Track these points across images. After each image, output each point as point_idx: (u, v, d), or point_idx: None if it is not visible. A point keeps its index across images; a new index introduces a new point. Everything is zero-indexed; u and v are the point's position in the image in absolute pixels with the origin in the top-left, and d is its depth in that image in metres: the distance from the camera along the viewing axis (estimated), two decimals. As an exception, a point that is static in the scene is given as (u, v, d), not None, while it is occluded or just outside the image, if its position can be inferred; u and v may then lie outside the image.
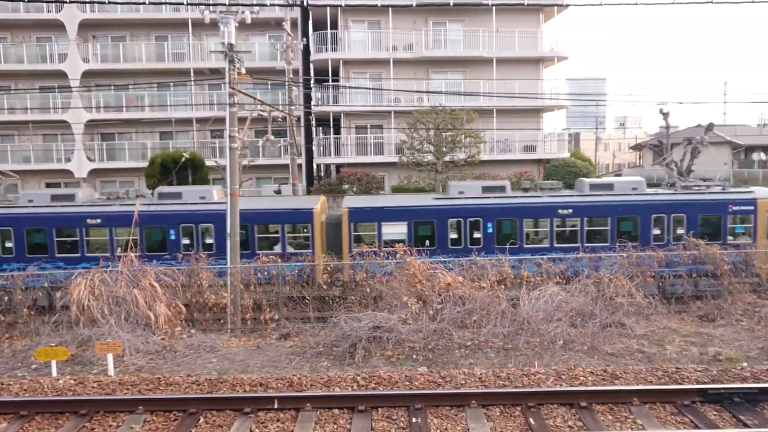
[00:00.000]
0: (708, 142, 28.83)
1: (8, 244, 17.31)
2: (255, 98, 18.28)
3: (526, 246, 17.35)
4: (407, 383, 9.44)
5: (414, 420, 8.06)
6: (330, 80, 31.73)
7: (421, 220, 17.39)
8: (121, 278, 13.11)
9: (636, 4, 12.00)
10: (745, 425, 7.68)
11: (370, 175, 29.77)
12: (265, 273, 14.86)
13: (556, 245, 17.32)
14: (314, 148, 33.24)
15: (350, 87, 31.31)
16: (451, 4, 29.83)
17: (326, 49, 31.87)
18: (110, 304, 12.68)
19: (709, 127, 31.80)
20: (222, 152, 25.78)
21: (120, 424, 8.26)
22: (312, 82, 32.12)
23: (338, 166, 32.12)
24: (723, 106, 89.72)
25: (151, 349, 11.88)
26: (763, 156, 46.51)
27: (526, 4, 31.99)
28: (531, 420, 7.97)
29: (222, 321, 14.37)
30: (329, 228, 17.76)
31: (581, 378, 9.53)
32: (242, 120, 16.38)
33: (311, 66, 33.10)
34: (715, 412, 8.20)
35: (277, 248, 17.41)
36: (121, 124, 33.41)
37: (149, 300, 12.85)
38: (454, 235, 17.36)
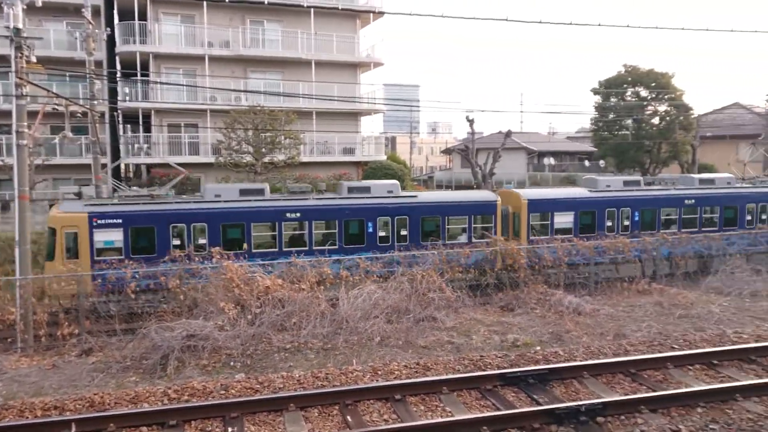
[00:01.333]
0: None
1: (201, 240, 16.14)
2: (49, 90, 16.50)
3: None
4: (223, 392, 9.09)
5: (230, 429, 7.77)
6: (139, 75, 29.68)
7: None
8: None
9: (442, 16, 12.76)
10: (538, 403, 8.47)
11: (184, 176, 28.34)
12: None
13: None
14: (122, 147, 30.88)
15: (162, 83, 29.56)
16: (266, 2, 29.45)
17: (134, 42, 29.75)
18: None
19: (508, 134, 34.93)
20: (9, 150, 22.90)
21: None
22: (118, 75, 29.78)
23: (149, 167, 30.16)
24: (520, 115, 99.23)
25: None
26: (552, 161, 52.20)
27: (340, 8, 32.62)
28: (348, 417, 8.08)
29: (10, 339, 12.75)
30: None
31: (396, 372, 9.88)
32: (33, 114, 14.69)
33: (117, 58, 30.69)
34: (513, 394, 8.96)
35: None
36: None
37: None
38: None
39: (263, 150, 26.39)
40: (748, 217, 21.60)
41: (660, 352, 10.24)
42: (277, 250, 16.95)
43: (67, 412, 8.38)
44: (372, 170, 31.63)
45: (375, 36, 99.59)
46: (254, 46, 32.03)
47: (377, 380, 9.46)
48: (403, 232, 17.94)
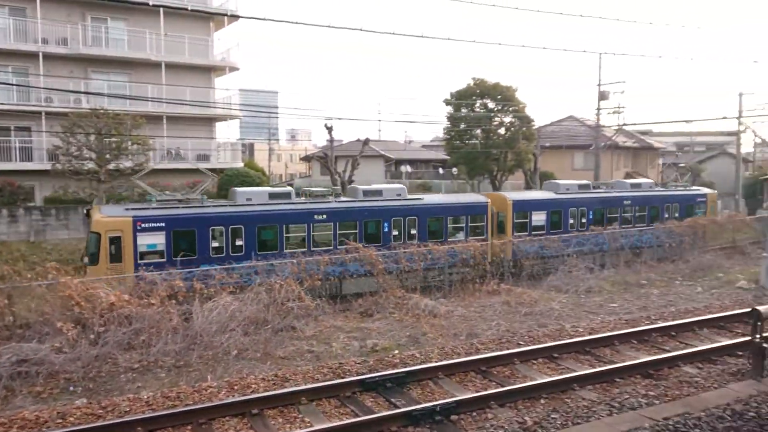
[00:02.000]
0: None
1: (238, 242, 16.80)
2: None
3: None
4: (60, 421, 8.27)
5: (67, 462, 7.08)
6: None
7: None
8: None
9: (297, 23, 12.65)
10: (396, 406, 8.60)
11: (15, 185, 25.72)
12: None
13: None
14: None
15: (-14, 81, 26.59)
16: (108, -2, 27.62)
17: (-48, 34, 26.55)
18: None
19: (366, 141, 35.50)
20: None
21: None
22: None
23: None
24: (378, 123, 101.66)
25: None
26: (409, 168, 53.89)
27: (190, 9, 31.30)
28: (202, 437, 7.69)
29: None
30: None
31: (253, 386, 9.58)
32: None
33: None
34: (371, 399, 9.03)
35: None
36: None
37: None
38: None
39: (107, 156, 24.59)
40: (666, 215, 25.19)
41: (508, 348, 10.84)
42: (306, 249, 17.79)
43: None
44: (228, 177, 30.65)
45: (231, 39, 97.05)
46: (96, 44, 29.82)
47: (233, 396, 9.11)
48: (413, 231, 19.53)
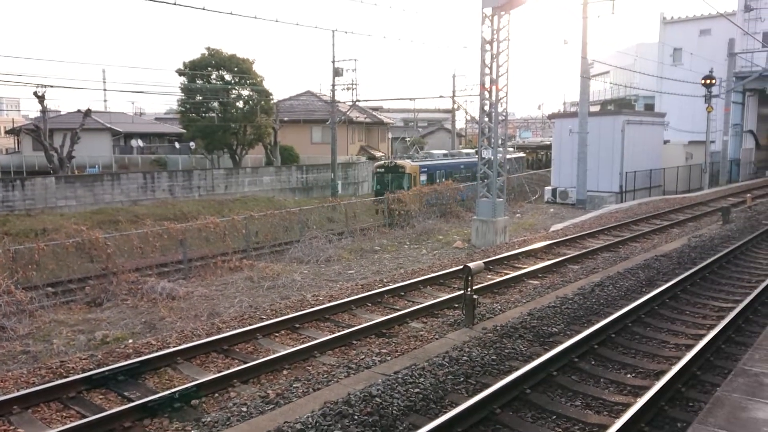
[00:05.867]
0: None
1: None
2: None
3: None
4: None
5: None
6: None
7: None
8: None
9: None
10: (129, 400, 7.94)
11: None
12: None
13: None
14: None
15: None
16: None
17: None
18: None
19: (87, 113, 32.02)
20: None
21: None
22: None
23: None
24: (104, 94, 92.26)
25: None
26: (140, 143, 50.14)
27: None
28: None
29: None
30: None
31: (-54, 402, 8.01)
32: None
33: None
34: (101, 396, 8.21)
35: None
36: None
37: None
38: None
39: None
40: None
41: (250, 324, 10.72)
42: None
43: None
44: None
45: None
46: None
47: None
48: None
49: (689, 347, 8.77)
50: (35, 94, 29.67)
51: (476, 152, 27.75)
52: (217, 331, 10.53)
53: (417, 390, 7.40)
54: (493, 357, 8.50)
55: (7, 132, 59.69)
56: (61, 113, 49.46)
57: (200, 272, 17.67)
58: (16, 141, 56.30)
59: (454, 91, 54.58)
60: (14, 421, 7.48)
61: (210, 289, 15.05)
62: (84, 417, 7.55)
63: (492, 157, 19.87)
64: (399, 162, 31.87)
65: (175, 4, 12.62)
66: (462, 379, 7.86)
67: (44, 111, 31.42)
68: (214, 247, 19.80)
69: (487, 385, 7.45)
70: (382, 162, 33.68)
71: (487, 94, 19.57)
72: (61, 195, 28.17)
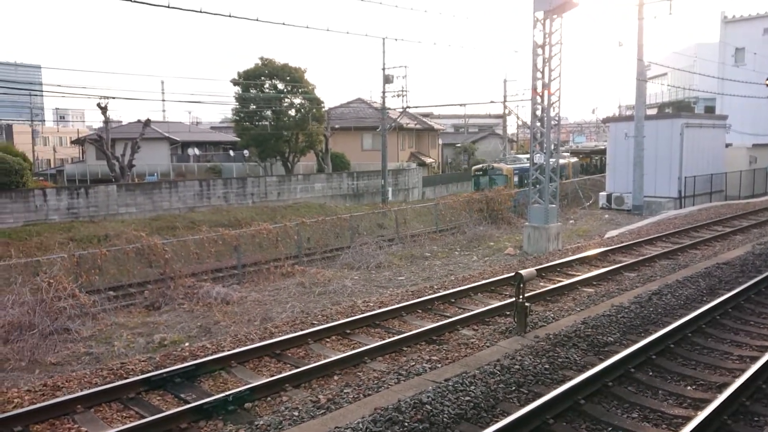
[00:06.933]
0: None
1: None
2: None
3: None
4: None
5: None
6: None
7: None
8: None
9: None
10: (186, 402, 8.15)
11: None
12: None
13: None
14: None
15: None
16: None
17: None
18: None
19: (147, 123, 33.15)
20: None
21: None
22: None
23: None
24: (162, 104, 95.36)
25: None
26: (197, 151, 51.56)
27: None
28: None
29: None
30: None
31: (17, 400, 8.41)
32: None
33: None
34: (159, 397, 8.46)
35: None
36: None
37: None
38: None
39: None
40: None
41: (302, 329, 10.86)
42: None
43: None
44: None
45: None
46: None
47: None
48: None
49: (754, 359, 8.40)
50: (99, 105, 30.98)
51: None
52: (270, 335, 10.70)
53: (468, 398, 7.33)
54: (546, 366, 8.35)
55: (72, 142, 62.33)
56: (122, 123, 51.39)
57: (253, 278, 18.01)
58: (80, 151, 58.82)
59: (505, 96, 54.11)
60: (78, 420, 7.78)
61: (263, 294, 15.31)
62: (143, 417, 7.79)
63: (544, 163, 19.56)
64: (496, 165, 36.46)
65: (230, 16, 12.98)
66: (514, 387, 7.75)
67: (107, 122, 32.70)
68: (267, 253, 20.14)
69: (540, 395, 7.32)
70: (480, 165, 37.78)
71: (539, 99, 19.30)
72: (122, 202, 29.22)
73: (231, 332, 11.74)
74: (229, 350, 9.88)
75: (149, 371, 9.24)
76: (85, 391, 8.47)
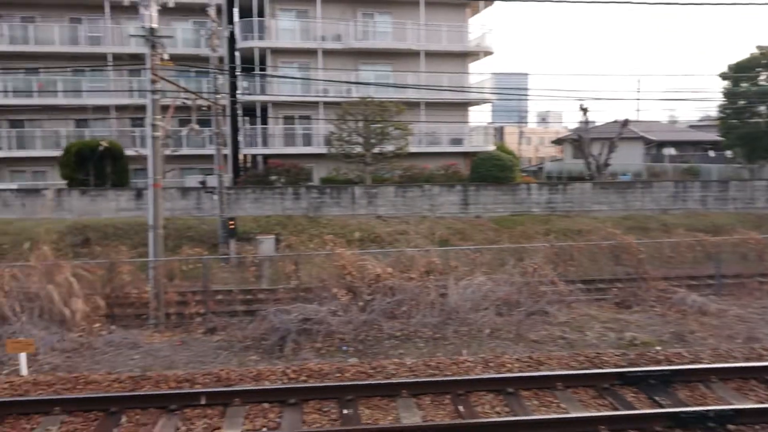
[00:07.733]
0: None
1: None
2: (179, 86, 17.65)
3: None
4: (338, 375, 9.39)
5: (345, 411, 8.03)
6: (257, 69, 31.08)
7: None
8: (34, 273, 12.39)
9: (557, 1, 12.35)
10: (660, 405, 8.08)
11: (298, 167, 29.44)
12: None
13: None
14: (240, 138, 32.51)
15: (278, 76, 30.80)
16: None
17: (253, 37, 31.19)
18: (21, 300, 11.97)
19: (625, 123, 33.31)
20: (143, 141, 24.77)
21: (34, 426, 7.80)
22: (238, 70, 31.35)
23: (265, 157, 31.56)
24: (637, 103, 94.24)
25: (68, 347, 11.28)
26: (672, 151, 49.21)
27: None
28: (460, 407, 8.11)
29: (144, 316, 13.85)
30: None
31: (508, 365, 9.76)
32: (165, 108, 15.78)
33: (237, 54, 32.31)
34: (632, 394, 8.60)
35: None
36: (32, 111, 31.52)
37: (65, 295, 12.20)
38: None
39: (372, 141, 26.82)
40: None
41: (793, 358, 9.44)
42: None
43: (197, 385, 9.00)
44: (481, 161, 31.24)
45: (484, 24, 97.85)
46: (365, 38, 32.56)
47: (489, 372, 9.40)
48: None
49: None
50: (581, 106, 32.67)
51: None
52: (758, 357, 9.63)
53: None
54: None
55: (552, 142, 67.29)
56: (597, 123, 52.81)
57: (734, 290, 16.34)
58: (558, 150, 63.08)
59: None
60: (558, 396, 8.56)
61: (746, 311, 13.78)
62: (616, 409, 8.06)
63: None
64: None
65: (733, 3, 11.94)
66: None
67: (586, 122, 34.20)
68: (752, 266, 17.97)
69: None
70: None
71: None
72: (595, 200, 30.23)
73: (708, 345, 11.00)
74: (708, 363, 9.32)
75: (622, 366, 9.47)
76: (564, 372, 9.24)
